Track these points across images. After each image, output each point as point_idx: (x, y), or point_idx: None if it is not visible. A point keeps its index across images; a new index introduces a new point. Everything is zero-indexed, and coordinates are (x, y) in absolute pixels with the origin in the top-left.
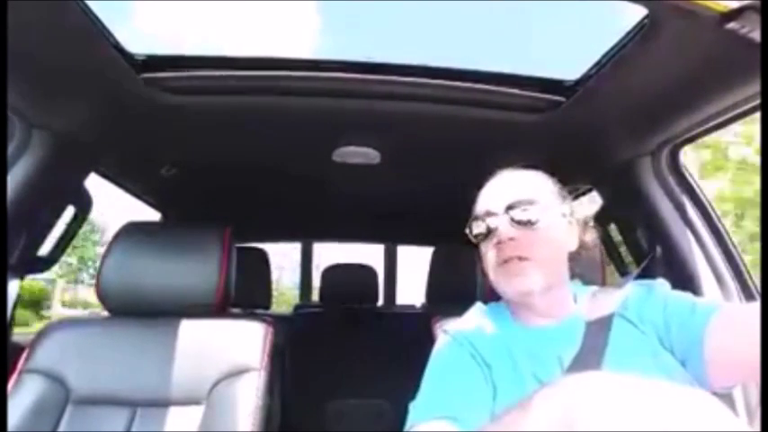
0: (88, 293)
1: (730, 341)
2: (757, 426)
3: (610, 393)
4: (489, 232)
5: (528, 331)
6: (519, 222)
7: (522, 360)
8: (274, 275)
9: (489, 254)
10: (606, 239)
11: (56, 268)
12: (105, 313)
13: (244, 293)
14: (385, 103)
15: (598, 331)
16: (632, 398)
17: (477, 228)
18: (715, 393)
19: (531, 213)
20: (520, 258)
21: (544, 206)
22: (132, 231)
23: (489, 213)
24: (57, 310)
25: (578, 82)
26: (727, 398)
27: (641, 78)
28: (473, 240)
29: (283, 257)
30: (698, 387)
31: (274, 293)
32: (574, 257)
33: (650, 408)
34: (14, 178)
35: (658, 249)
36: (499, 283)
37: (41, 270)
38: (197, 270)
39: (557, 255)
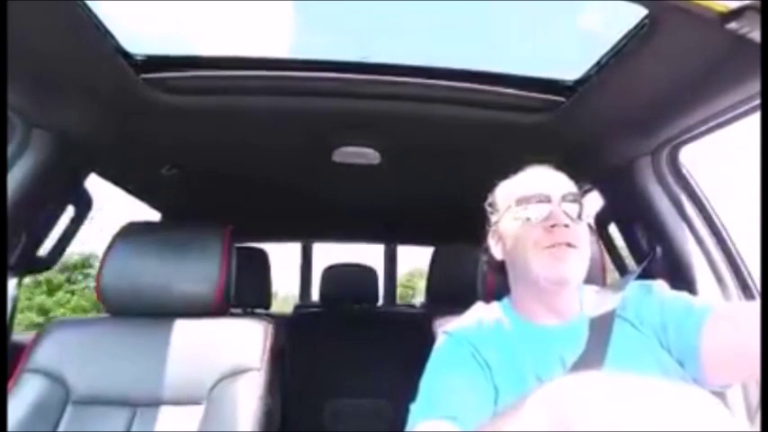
0: None
1: (724, 341)
2: (757, 426)
3: (604, 393)
4: (543, 216)
5: (533, 330)
6: (572, 214)
7: (525, 359)
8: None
9: (534, 237)
10: (606, 239)
11: None
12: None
13: (244, 293)
14: (385, 103)
15: (600, 333)
16: (627, 397)
17: (528, 210)
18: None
19: (578, 208)
20: (569, 245)
21: (583, 205)
22: (132, 231)
23: (545, 198)
24: None
25: (578, 82)
26: (722, 398)
27: (641, 78)
28: (520, 221)
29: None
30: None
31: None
32: None
33: (645, 407)
34: (14, 178)
35: (658, 249)
36: (538, 266)
37: (41, 270)
38: (197, 270)
39: (589, 254)
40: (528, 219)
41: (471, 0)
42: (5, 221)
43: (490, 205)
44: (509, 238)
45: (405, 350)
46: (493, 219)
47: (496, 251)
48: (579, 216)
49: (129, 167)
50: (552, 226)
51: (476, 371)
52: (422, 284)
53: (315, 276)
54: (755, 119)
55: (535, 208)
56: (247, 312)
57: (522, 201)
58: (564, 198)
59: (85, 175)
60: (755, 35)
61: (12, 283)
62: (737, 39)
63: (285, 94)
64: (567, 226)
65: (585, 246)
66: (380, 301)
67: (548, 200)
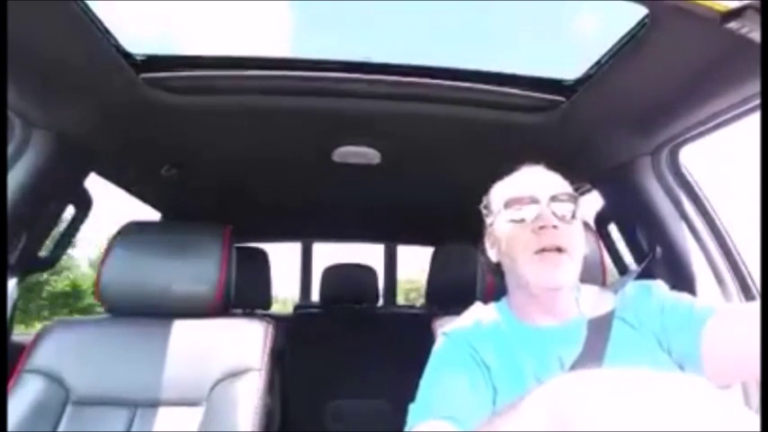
0: None
1: (726, 344)
2: (758, 426)
3: (604, 391)
4: (532, 217)
5: (531, 331)
6: (562, 214)
7: (524, 360)
8: None
9: (524, 240)
10: (606, 239)
11: None
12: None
13: (244, 294)
14: (385, 103)
15: (598, 333)
16: (627, 394)
17: (518, 212)
18: None
19: (571, 208)
20: (558, 249)
21: (577, 204)
22: (132, 231)
23: (534, 199)
24: None
25: (578, 82)
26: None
27: (641, 78)
28: (511, 223)
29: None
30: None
31: None
32: None
33: (646, 404)
34: (14, 178)
35: (658, 249)
36: (529, 271)
37: (41, 270)
38: (197, 270)
39: (582, 254)
40: (517, 220)
41: (472, 0)
42: (5, 221)
43: (485, 207)
44: (502, 241)
45: (405, 350)
46: (488, 221)
47: (492, 253)
48: (573, 216)
49: (129, 167)
50: (540, 228)
51: (474, 371)
52: (401, 296)
53: (315, 277)
54: (755, 119)
55: (525, 209)
56: (247, 313)
57: (512, 202)
58: (553, 198)
59: (85, 175)
60: (755, 35)
61: (12, 283)
62: (737, 39)
63: (285, 93)
64: (555, 227)
65: (578, 247)
66: (380, 302)
67: (536, 201)
